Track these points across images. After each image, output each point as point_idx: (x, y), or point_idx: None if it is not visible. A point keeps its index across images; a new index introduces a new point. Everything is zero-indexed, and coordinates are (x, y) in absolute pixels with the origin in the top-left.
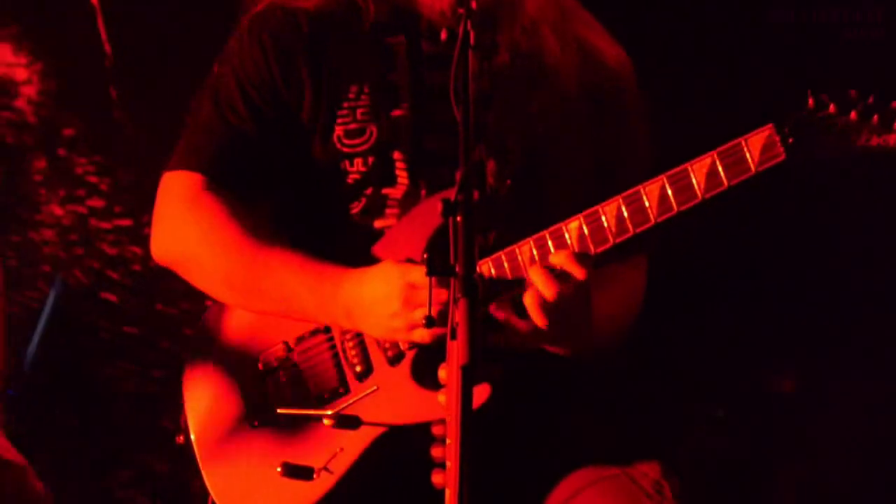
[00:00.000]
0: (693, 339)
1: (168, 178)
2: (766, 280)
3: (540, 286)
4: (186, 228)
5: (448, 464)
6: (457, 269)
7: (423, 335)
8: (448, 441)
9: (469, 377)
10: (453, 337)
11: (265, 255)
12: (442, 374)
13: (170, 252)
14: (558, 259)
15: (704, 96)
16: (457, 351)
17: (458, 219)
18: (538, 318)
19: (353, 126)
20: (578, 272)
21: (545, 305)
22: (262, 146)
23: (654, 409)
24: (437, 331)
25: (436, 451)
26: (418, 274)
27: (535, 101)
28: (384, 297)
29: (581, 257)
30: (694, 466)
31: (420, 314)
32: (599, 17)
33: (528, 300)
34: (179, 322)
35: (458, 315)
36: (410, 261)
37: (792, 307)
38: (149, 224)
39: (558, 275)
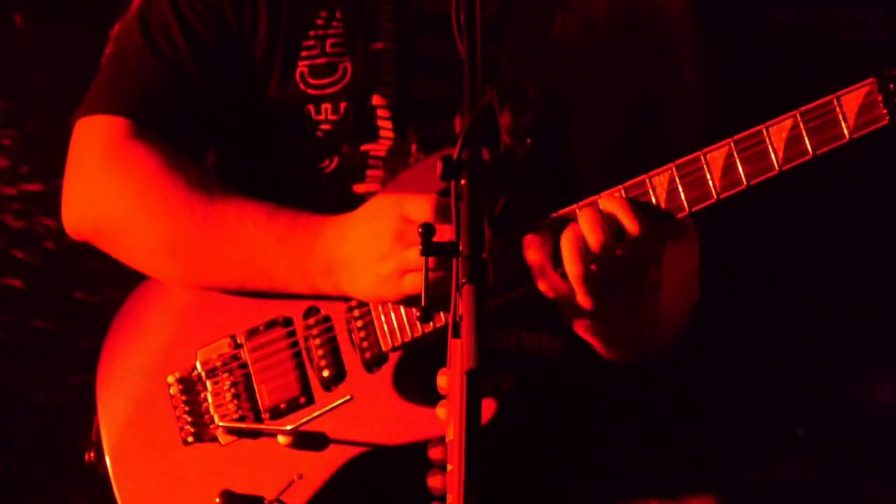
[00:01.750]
0: (761, 337)
1: (84, 126)
2: (853, 266)
3: (585, 227)
4: (111, 186)
5: (449, 497)
6: (461, 248)
7: (413, 283)
8: (449, 468)
9: (476, 385)
10: (456, 334)
11: (219, 209)
12: (442, 381)
13: (88, 219)
14: (610, 204)
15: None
16: (461, 352)
17: (463, 182)
18: (574, 267)
19: (321, 61)
20: (632, 224)
21: (586, 255)
22: (203, 85)
23: (713, 428)
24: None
25: (433, 481)
26: (416, 206)
27: (555, 33)
28: (372, 234)
29: (639, 207)
30: (764, 501)
31: (414, 255)
32: None
33: (566, 242)
34: (103, 314)
35: (463, 306)
36: None
37: (888, 299)
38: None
39: (611, 223)
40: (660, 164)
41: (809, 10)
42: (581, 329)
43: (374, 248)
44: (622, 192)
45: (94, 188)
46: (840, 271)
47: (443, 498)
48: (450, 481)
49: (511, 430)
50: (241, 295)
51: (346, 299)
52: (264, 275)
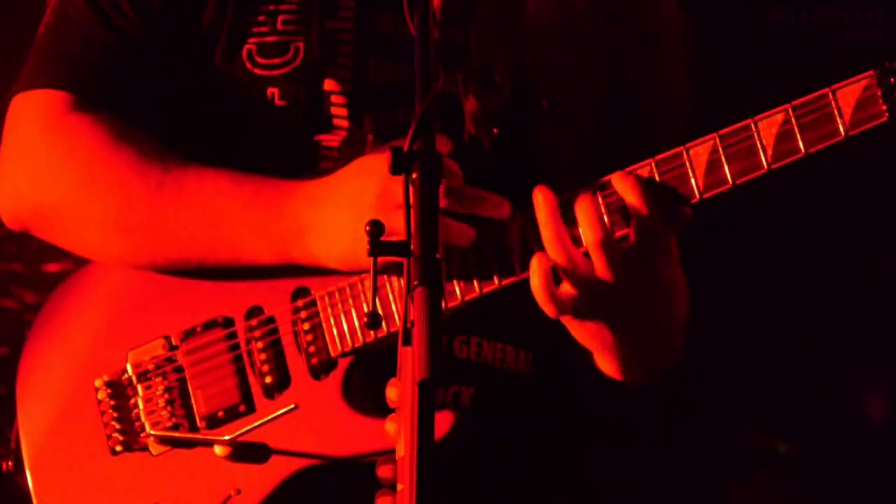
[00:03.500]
0: (744, 348)
1: (20, 102)
2: (842, 270)
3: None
4: (51, 163)
5: None
6: (412, 247)
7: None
8: (399, 487)
9: (429, 397)
10: (407, 342)
11: (175, 177)
12: (391, 392)
13: (27, 202)
14: (618, 182)
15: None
16: (412, 361)
17: (415, 176)
18: (593, 232)
19: (270, 39)
20: (639, 201)
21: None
22: (150, 54)
23: (693, 448)
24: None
25: (382, 501)
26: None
27: (529, 15)
28: (354, 192)
29: (648, 185)
30: None
31: (399, 218)
32: None
33: (582, 208)
34: (20, 320)
35: (415, 311)
36: None
37: (880, 307)
38: None
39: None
40: (635, 161)
41: (809, 10)
42: (589, 333)
43: (355, 206)
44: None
45: (32, 168)
46: (830, 281)
47: None
48: (400, 502)
49: (469, 447)
50: (200, 278)
51: (301, 292)
52: (228, 244)
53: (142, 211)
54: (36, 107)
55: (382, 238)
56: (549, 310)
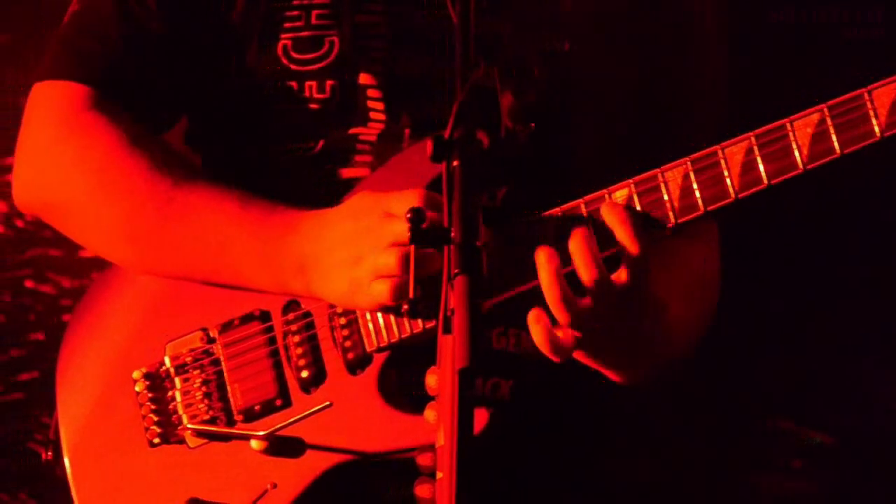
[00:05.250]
0: (774, 339)
1: (40, 92)
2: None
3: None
4: (64, 161)
5: None
6: (452, 235)
7: (382, 292)
8: (439, 475)
9: (469, 384)
10: (447, 330)
11: (184, 194)
12: (431, 380)
13: (38, 194)
14: (607, 215)
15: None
16: (453, 349)
17: (455, 164)
18: (590, 271)
19: (305, 34)
20: (631, 242)
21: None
22: (174, 52)
23: (719, 440)
24: (395, 284)
25: (421, 490)
26: (401, 201)
27: (565, 7)
28: (350, 235)
29: (638, 220)
30: None
31: (385, 260)
32: None
33: (577, 246)
34: (56, 305)
35: (455, 299)
36: None
37: None
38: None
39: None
40: (673, 155)
41: (809, 10)
42: (594, 363)
43: (351, 250)
44: (632, 185)
45: (45, 162)
46: (869, 271)
47: None
48: (439, 490)
49: (507, 441)
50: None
51: None
52: (231, 269)
53: (149, 224)
54: (54, 99)
55: (374, 280)
56: (554, 358)
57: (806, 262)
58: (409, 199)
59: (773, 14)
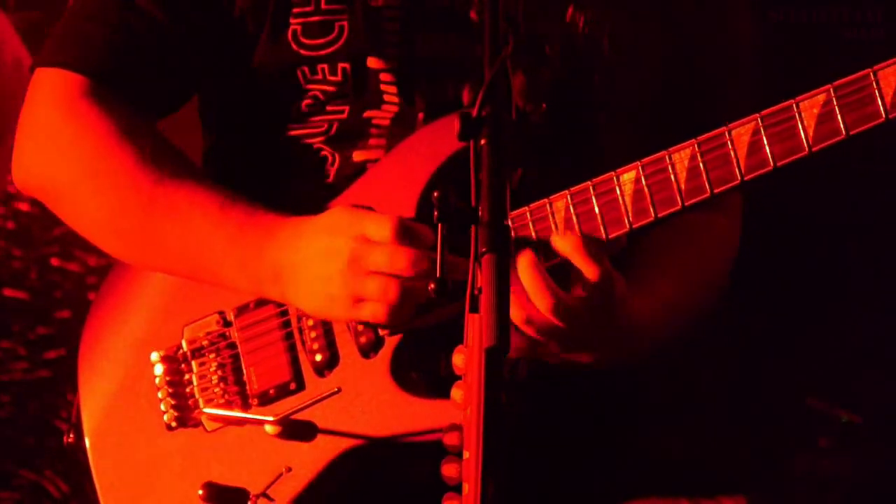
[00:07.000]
0: (803, 313)
1: (40, 78)
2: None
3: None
4: (59, 147)
5: (465, 487)
6: (480, 213)
7: (375, 312)
8: (465, 454)
9: (497, 363)
10: (474, 309)
11: (170, 192)
12: (458, 359)
13: (34, 176)
14: (563, 246)
15: None
16: (480, 328)
17: (483, 142)
18: (543, 301)
19: (315, 19)
20: (590, 270)
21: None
22: (177, 40)
23: (748, 417)
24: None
25: (448, 469)
26: (376, 226)
27: None
28: (325, 251)
29: (594, 247)
30: (805, 500)
31: (374, 286)
32: None
33: (526, 273)
34: (83, 283)
35: (483, 278)
36: (367, 208)
37: None
38: None
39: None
40: (707, 126)
41: (809, 10)
42: (565, 363)
43: (326, 266)
44: (640, 168)
45: (42, 147)
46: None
47: (458, 488)
48: (466, 469)
49: (524, 422)
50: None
51: None
52: (209, 271)
53: (132, 220)
54: (52, 86)
55: (350, 303)
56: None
57: (837, 244)
58: (384, 222)
59: (772, 14)
